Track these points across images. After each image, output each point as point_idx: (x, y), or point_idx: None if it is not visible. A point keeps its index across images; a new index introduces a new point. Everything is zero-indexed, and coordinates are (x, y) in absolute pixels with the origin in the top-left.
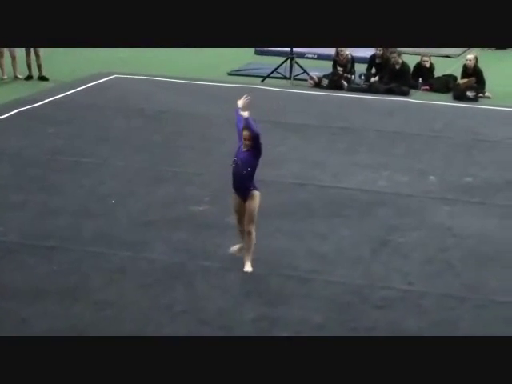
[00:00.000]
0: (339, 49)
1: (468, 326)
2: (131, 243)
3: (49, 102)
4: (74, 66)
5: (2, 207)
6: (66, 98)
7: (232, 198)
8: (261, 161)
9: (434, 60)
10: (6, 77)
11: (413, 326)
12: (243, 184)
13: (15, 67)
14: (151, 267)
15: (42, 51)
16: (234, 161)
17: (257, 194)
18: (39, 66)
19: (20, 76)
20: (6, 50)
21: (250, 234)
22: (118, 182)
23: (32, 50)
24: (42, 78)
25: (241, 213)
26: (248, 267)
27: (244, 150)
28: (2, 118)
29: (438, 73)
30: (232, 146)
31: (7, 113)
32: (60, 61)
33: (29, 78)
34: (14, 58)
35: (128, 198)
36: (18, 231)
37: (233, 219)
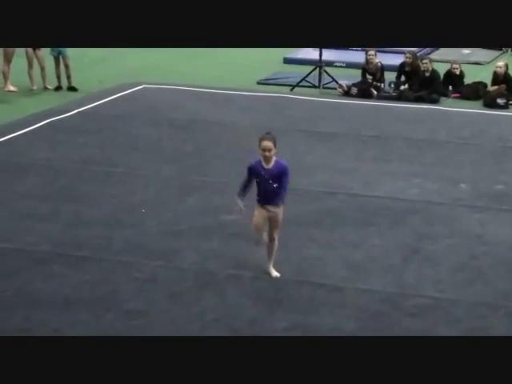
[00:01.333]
0: (369, 57)
1: (500, 333)
2: (162, 252)
3: (78, 112)
4: (103, 77)
5: (33, 218)
6: (96, 109)
7: (256, 218)
8: (291, 169)
9: (463, 67)
10: (35, 87)
11: (444, 334)
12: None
13: (45, 78)
14: (182, 276)
15: (71, 62)
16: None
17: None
18: (68, 77)
19: (49, 87)
20: (35, 61)
21: (275, 240)
22: (149, 191)
23: (61, 60)
24: (72, 89)
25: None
26: (276, 272)
27: (268, 167)
28: (32, 129)
29: (467, 80)
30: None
31: (37, 123)
32: (88, 71)
33: (58, 88)
34: (43, 68)
35: (159, 208)
36: (50, 241)
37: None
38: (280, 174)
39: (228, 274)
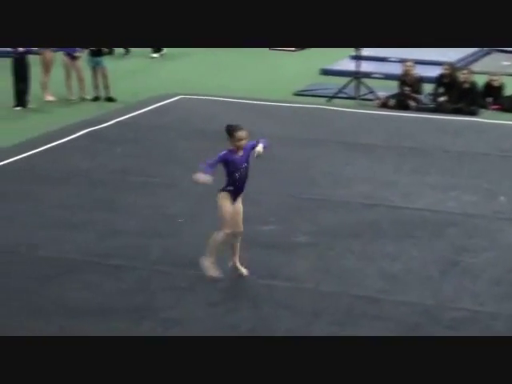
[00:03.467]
0: (407, 68)
1: None
2: (197, 263)
3: (116, 122)
4: (139, 88)
5: (69, 226)
6: (133, 119)
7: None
8: (330, 181)
9: (503, 79)
10: (73, 98)
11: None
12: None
13: (82, 88)
14: (218, 286)
15: (109, 72)
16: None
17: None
18: (106, 87)
19: (87, 97)
20: (73, 71)
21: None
22: (185, 202)
23: (99, 71)
24: (109, 99)
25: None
26: (245, 269)
27: (240, 154)
28: (70, 139)
29: (507, 92)
30: (296, 167)
31: (75, 133)
32: (126, 82)
33: (96, 99)
34: (81, 79)
35: (195, 218)
36: (85, 250)
37: (295, 238)
38: (248, 152)
39: (263, 284)
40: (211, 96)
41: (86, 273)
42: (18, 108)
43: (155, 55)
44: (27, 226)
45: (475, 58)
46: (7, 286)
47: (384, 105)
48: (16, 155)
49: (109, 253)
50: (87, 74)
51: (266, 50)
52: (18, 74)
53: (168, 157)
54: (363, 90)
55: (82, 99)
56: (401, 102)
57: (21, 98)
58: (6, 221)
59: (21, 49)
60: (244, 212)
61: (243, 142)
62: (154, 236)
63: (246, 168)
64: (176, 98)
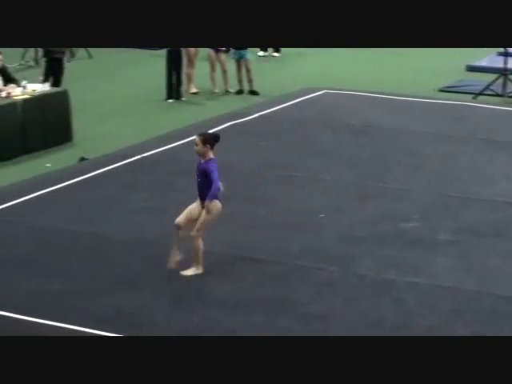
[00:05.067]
0: None
1: None
2: (339, 258)
3: (259, 116)
4: (282, 81)
5: None
6: (276, 113)
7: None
8: (473, 178)
9: None
10: (217, 90)
11: None
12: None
13: (226, 81)
14: (359, 283)
15: (253, 66)
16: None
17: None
18: (250, 81)
19: (231, 90)
20: (217, 64)
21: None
22: (327, 196)
23: (243, 64)
24: (253, 93)
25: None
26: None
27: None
28: (215, 131)
29: None
30: (439, 163)
31: (219, 126)
32: (269, 75)
33: (239, 92)
34: (225, 71)
35: (336, 213)
36: (226, 243)
37: (437, 235)
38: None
39: (405, 282)
40: (354, 91)
41: (227, 266)
42: (171, 100)
43: (276, 54)
44: (174, 217)
45: None
46: (145, 279)
47: None
48: (161, 146)
49: (250, 246)
50: (231, 66)
51: None
52: (171, 67)
53: (310, 150)
54: (510, 87)
55: (226, 92)
56: None
57: (174, 90)
58: (152, 212)
59: None
60: (387, 208)
61: (195, 148)
62: (295, 230)
63: (200, 182)
64: (320, 93)
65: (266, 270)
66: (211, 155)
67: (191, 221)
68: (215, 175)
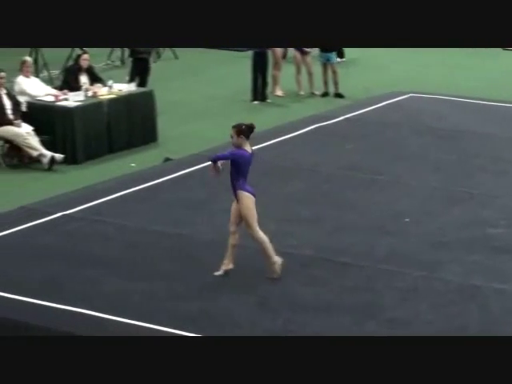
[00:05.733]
0: None
1: None
2: (425, 263)
3: (345, 118)
4: (369, 84)
5: (296, 221)
6: (362, 116)
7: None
8: None
9: None
10: (302, 92)
11: None
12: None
13: (312, 83)
14: (445, 288)
15: (339, 69)
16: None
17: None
18: (336, 83)
19: (316, 92)
20: (303, 67)
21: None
22: (413, 200)
23: (329, 67)
24: (338, 95)
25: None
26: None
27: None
28: (299, 134)
29: None
30: None
31: (304, 128)
32: (355, 79)
33: (325, 94)
34: (310, 74)
35: (422, 217)
36: (312, 245)
37: None
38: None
39: (492, 288)
40: (441, 95)
41: (312, 268)
42: (256, 102)
43: (339, 60)
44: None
45: None
46: (231, 280)
47: None
48: None
49: (335, 249)
50: (317, 69)
51: (499, 50)
52: (257, 68)
53: (396, 154)
54: None
55: (311, 94)
56: None
57: (259, 91)
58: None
59: None
60: (473, 214)
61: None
62: (381, 234)
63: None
64: (406, 96)
65: (350, 274)
66: (246, 147)
67: (239, 219)
68: (227, 153)
